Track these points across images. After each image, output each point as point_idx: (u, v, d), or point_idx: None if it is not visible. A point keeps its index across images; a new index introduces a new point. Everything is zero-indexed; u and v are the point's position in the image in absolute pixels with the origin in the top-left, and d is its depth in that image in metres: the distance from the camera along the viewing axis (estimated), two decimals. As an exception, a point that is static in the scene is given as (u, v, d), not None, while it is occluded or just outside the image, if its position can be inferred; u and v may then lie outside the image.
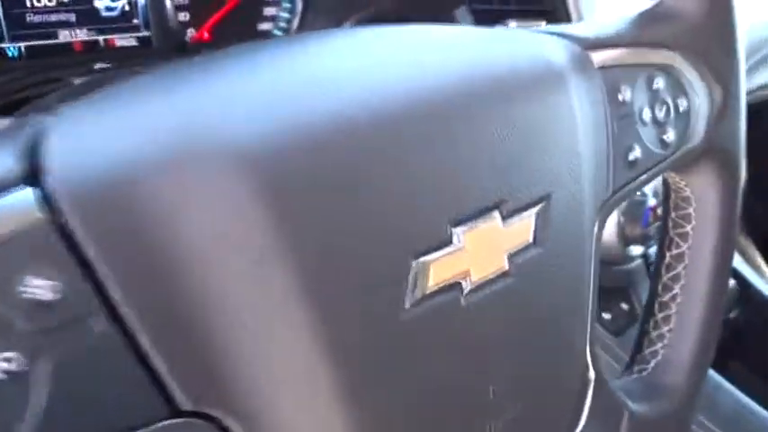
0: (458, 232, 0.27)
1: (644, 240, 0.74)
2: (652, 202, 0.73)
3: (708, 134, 0.42)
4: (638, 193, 0.74)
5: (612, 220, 0.76)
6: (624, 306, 0.80)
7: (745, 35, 0.43)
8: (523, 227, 0.30)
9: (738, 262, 0.93)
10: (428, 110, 0.27)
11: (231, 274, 0.22)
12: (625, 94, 0.38)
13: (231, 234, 0.22)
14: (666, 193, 0.47)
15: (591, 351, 0.38)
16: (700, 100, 0.42)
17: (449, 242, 0.27)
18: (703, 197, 0.44)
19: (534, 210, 0.30)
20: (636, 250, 0.76)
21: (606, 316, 0.78)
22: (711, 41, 0.42)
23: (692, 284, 0.44)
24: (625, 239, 0.74)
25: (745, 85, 0.43)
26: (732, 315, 0.83)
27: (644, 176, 0.39)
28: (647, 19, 0.41)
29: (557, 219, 0.32)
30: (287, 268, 0.23)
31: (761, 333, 0.88)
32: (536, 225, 0.30)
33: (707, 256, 0.44)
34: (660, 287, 0.46)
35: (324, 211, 0.24)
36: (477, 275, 0.28)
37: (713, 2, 0.41)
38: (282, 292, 0.23)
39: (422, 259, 0.26)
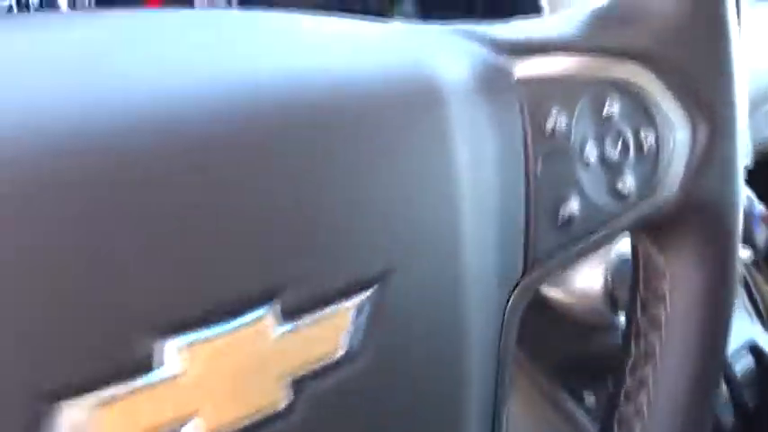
0: (172, 347, 0.15)
1: (636, 306, 0.61)
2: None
3: (686, 185, 0.30)
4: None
5: (598, 281, 0.63)
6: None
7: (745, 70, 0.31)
8: (325, 332, 0.18)
9: (758, 331, 0.79)
10: (144, 138, 0.16)
11: None
12: (558, 121, 0.26)
13: None
14: (634, 260, 0.34)
15: None
16: (675, 135, 0.29)
17: (150, 366, 0.15)
18: (682, 272, 0.32)
19: (351, 302, 0.18)
20: (627, 318, 0.64)
21: (589, 398, 0.65)
22: (695, 53, 0.30)
23: (662, 397, 0.31)
24: (613, 304, 0.62)
25: (744, 118, 0.31)
26: (750, 403, 0.69)
27: (588, 240, 0.27)
28: (602, 18, 0.29)
29: (407, 312, 0.20)
30: None
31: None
32: (354, 327, 0.18)
33: (686, 357, 0.31)
34: (622, 395, 0.33)
35: None
36: (212, 424, 0.16)
37: None
38: None
39: (80, 401, 0.14)
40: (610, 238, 0.29)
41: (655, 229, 0.31)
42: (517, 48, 0.26)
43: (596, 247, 0.29)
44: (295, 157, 0.17)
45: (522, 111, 0.25)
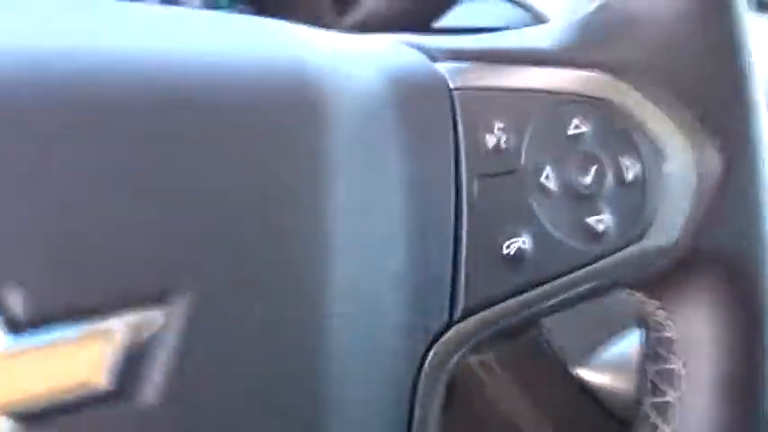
0: None
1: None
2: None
3: (694, 228, 0.23)
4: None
5: (628, 357, 0.55)
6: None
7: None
8: (74, 357, 0.13)
9: None
10: None
11: None
12: (502, 137, 0.21)
13: None
14: (643, 328, 0.28)
15: None
16: (670, 165, 0.23)
17: None
18: (696, 344, 0.25)
19: (121, 322, 0.14)
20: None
21: None
22: (700, 64, 0.24)
23: None
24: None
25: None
26: None
27: (552, 286, 0.21)
28: (583, 26, 0.24)
29: (231, 353, 0.15)
30: None
31: None
32: (125, 357, 0.14)
33: None
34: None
35: None
36: None
37: None
38: None
39: None
40: (589, 290, 0.23)
41: (658, 286, 0.25)
42: (461, 56, 0.22)
43: (571, 298, 0.23)
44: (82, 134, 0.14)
45: (454, 125, 0.20)
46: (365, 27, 0.42)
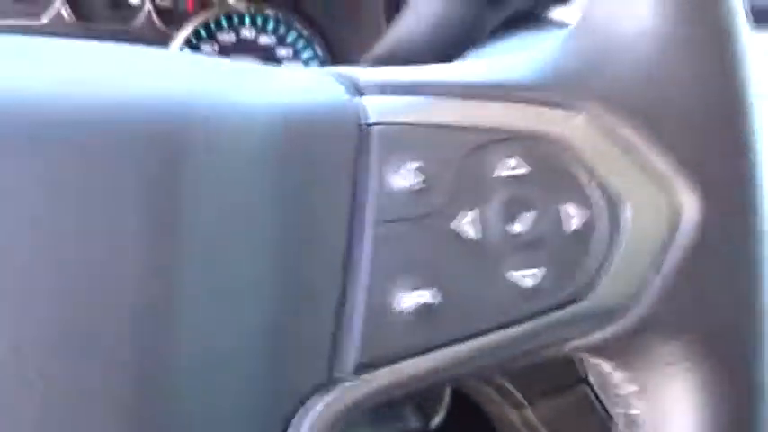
0: None
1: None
2: None
3: (659, 292, 0.20)
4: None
5: None
6: None
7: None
8: None
9: None
10: None
11: None
12: (412, 178, 0.19)
13: None
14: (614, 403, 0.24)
15: None
16: (626, 213, 0.20)
17: None
18: (667, 425, 0.21)
19: None
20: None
21: None
22: (682, 102, 0.20)
23: None
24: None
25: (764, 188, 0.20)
26: None
27: (462, 346, 0.19)
28: (544, 58, 0.22)
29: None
30: None
31: None
32: None
33: None
34: None
35: None
36: None
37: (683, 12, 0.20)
38: None
39: None
40: (520, 353, 0.20)
41: (621, 356, 0.21)
42: (390, 89, 0.20)
43: (499, 361, 0.20)
44: None
45: (362, 164, 0.19)
46: (394, 56, 0.41)
